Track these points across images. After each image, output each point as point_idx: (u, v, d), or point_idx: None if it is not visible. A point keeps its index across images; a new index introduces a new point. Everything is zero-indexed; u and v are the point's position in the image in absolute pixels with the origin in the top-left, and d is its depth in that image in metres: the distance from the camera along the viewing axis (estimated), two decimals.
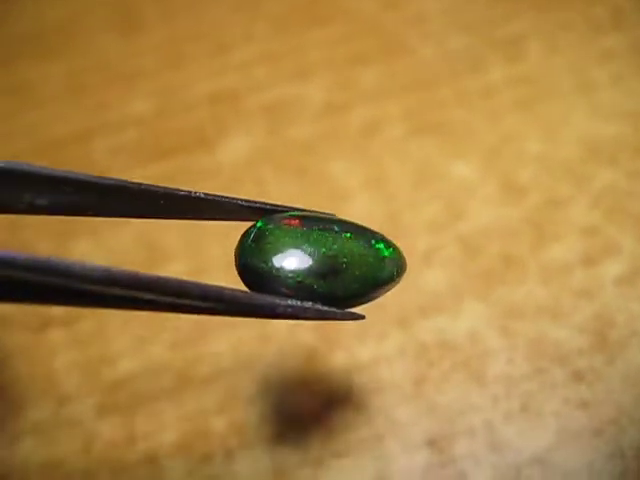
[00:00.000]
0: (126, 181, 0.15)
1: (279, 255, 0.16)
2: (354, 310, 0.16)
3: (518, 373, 0.24)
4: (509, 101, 0.30)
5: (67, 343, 0.25)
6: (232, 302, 0.14)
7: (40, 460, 0.23)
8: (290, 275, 0.15)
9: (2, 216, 0.28)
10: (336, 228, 0.16)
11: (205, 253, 0.27)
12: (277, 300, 0.15)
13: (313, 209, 0.17)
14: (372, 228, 0.17)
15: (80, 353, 0.25)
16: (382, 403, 0.24)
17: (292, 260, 0.16)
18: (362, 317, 0.17)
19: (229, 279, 0.16)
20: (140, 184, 0.15)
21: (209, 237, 0.27)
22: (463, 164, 0.29)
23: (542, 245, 0.26)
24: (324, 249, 0.16)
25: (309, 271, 0.16)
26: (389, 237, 0.17)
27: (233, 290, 0.15)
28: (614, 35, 0.31)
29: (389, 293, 0.25)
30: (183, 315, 0.26)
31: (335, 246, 0.16)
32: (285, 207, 0.17)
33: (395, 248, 0.17)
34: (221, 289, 0.14)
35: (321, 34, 0.32)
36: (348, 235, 0.16)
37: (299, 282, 0.15)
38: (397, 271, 0.17)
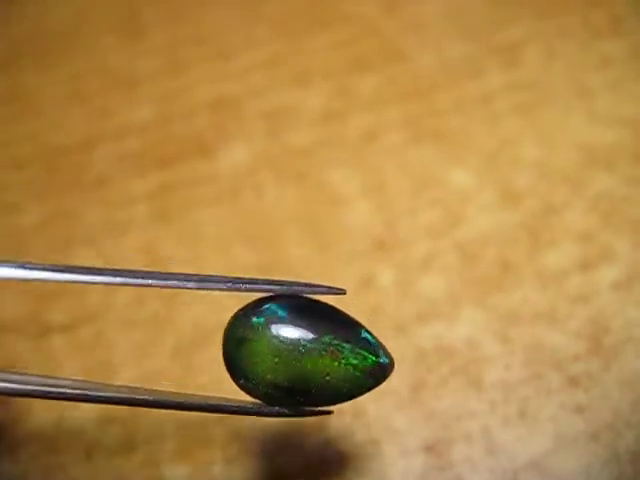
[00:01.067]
0: None
1: (253, 368, 0.16)
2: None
3: (515, 379, 0.24)
4: (507, 107, 0.30)
5: (68, 350, 0.26)
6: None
7: (41, 468, 0.23)
8: (261, 386, 0.16)
9: (1, 221, 0.28)
10: (322, 340, 0.16)
11: (206, 264, 0.27)
12: (248, 406, 0.17)
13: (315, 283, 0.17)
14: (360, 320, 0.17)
15: (80, 360, 0.25)
16: (380, 409, 0.24)
17: (264, 376, 0.16)
18: (330, 412, 0.17)
19: None
20: None
21: (210, 247, 0.28)
22: (461, 171, 0.29)
23: (539, 251, 0.27)
24: (301, 371, 0.16)
25: (279, 388, 0.16)
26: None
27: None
28: (613, 41, 0.31)
29: (387, 299, 0.26)
30: (183, 323, 0.26)
31: (313, 367, 0.16)
32: (272, 284, 0.16)
33: (382, 354, 0.17)
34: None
35: (321, 40, 0.32)
36: (327, 356, 0.16)
37: (269, 393, 0.16)
38: (382, 379, 0.17)
